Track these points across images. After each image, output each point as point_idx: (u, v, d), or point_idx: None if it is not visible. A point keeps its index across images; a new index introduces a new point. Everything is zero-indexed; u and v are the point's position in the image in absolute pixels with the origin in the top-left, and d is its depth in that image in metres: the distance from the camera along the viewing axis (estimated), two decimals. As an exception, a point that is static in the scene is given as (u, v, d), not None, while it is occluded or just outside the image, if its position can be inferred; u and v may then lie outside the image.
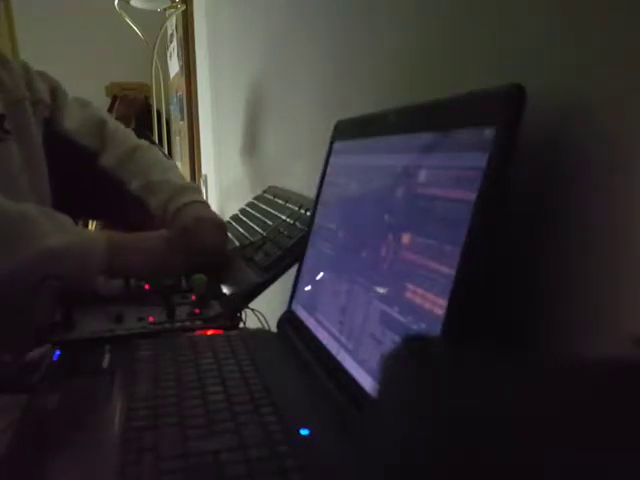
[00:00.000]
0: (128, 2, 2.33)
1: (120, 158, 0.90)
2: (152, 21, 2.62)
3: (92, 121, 0.92)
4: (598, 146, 0.33)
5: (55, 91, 0.89)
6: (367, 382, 0.41)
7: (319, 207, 0.62)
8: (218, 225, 0.83)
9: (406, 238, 0.40)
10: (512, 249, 0.39)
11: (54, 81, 0.90)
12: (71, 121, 0.89)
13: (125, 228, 0.80)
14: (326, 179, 0.62)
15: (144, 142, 0.97)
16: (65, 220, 0.70)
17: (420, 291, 0.37)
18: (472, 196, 0.33)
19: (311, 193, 0.68)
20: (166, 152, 2.60)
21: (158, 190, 0.86)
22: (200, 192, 0.95)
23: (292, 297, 0.63)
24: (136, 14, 2.56)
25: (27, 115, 0.81)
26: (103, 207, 0.93)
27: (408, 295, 0.38)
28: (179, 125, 2.89)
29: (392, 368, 0.22)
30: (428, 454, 0.17)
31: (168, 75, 3.12)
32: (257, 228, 0.88)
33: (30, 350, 0.56)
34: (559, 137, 0.36)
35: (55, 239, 0.65)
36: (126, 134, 0.97)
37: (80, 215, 0.94)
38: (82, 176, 0.89)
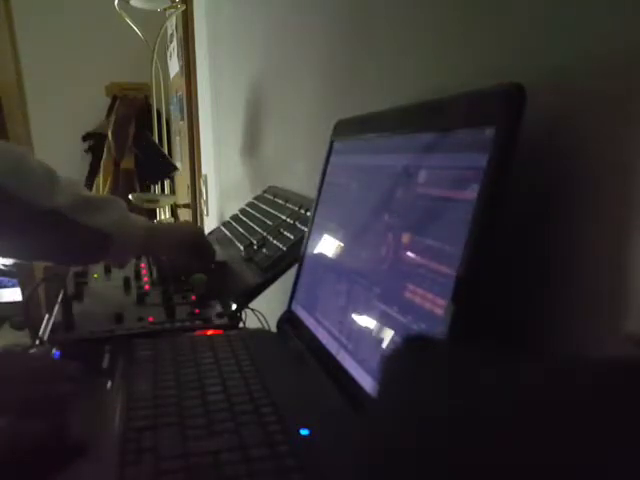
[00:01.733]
0: (128, 2, 2.33)
1: (8, 170, 0.64)
2: (152, 21, 2.61)
3: None
4: (598, 146, 0.33)
5: None
6: (367, 382, 0.41)
7: (319, 207, 0.62)
8: (200, 235, 0.90)
9: (406, 238, 0.40)
10: (512, 249, 0.39)
11: None
12: None
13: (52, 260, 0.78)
14: (326, 179, 0.62)
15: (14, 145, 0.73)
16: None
17: (420, 291, 0.37)
18: (472, 196, 0.33)
19: (311, 193, 0.68)
20: (166, 152, 2.61)
21: (101, 207, 0.73)
22: None
23: (292, 297, 0.63)
24: (136, 14, 2.56)
25: None
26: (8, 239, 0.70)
27: (408, 295, 0.38)
28: (179, 125, 2.89)
29: (392, 368, 0.22)
30: (428, 454, 0.17)
31: (168, 75, 3.11)
32: (257, 228, 0.88)
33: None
34: (559, 137, 0.36)
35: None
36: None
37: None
38: None
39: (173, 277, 0.81)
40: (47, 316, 0.68)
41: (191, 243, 0.82)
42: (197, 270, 0.78)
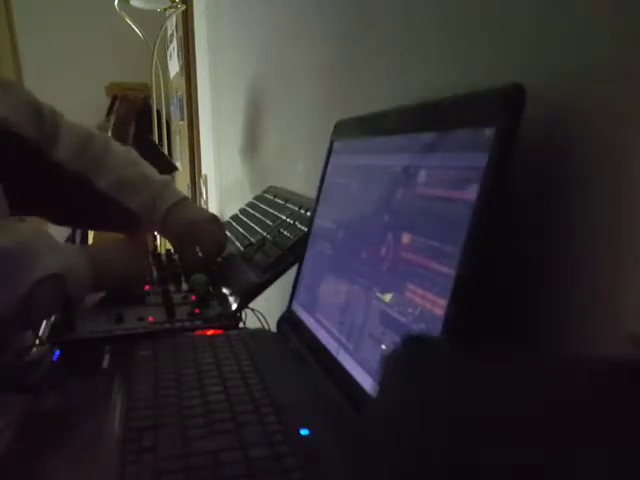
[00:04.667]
0: (128, 2, 2.33)
1: (75, 150, 0.80)
2: (152, 21, 2.61)
3: (25, 107, 0.77)
4: (598, 146, 0.33)
5: None
6: (367, 382, 0.41)
7: (319, 207, 0.62)
8: (212, 222, 0.84)
9: (406, 238, 0.40)
10: (512, 249, 0.39)
11: None
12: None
13: (93, 227, 0.79)
14: (326, 179, 0.62)
15: (93, 129, 0.87)
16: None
17: (420, 291, 0.37)
18: (472, 196, 0.33)
19: (311, 193, 0.68)
20: (166, 152, 2.60)
21: (137, 188, 0.81)
22: (174, 184, 0.92)
23: (292, 297, 0.63)
24: (136, 14, 2.56)
25: None
26: (64, 204, 0.80)
27: (408, 295, 0.38)
28: (179, 125, 2.89)
29: (392, 368, 0.22)
30: (429, 453, 0.17)
31: (168, 75, 3.11)
32: (257, 228, 0.88)
33: (30, 351, 0.56)
34: (559, 137, 0.36)
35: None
36: (72, 122, 0.85)
37: (40, 214, 0.82)
38: (34, 171, 0.75)
39: (173, 277, 0.81)
40: (47, 316, 0.67)
41: (198, 225, 0.80)
42: (198, 264, 0.78)
